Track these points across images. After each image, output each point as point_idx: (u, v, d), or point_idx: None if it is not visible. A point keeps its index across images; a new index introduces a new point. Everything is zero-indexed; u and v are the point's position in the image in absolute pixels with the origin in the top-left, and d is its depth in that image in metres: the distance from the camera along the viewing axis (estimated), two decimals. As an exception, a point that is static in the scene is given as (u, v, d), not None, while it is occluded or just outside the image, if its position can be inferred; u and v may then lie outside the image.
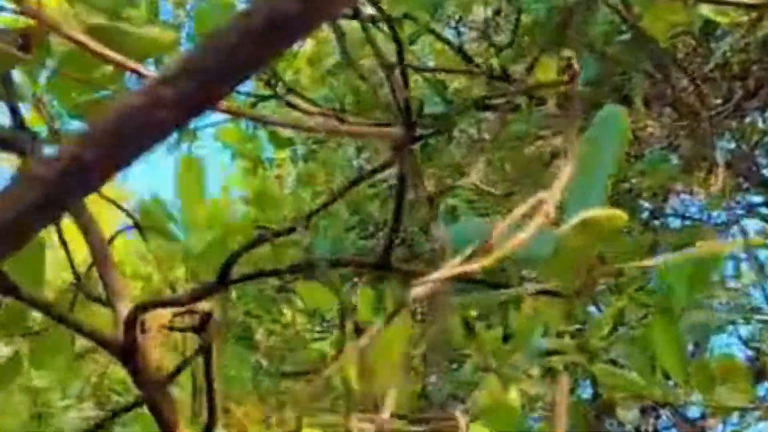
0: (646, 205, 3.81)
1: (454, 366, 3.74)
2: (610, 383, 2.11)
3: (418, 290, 0.73)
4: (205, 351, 1.42)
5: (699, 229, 3.92)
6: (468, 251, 0.77)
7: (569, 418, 2.49)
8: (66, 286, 1.90)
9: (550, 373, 3.03)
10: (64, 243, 1.78)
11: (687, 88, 3.11)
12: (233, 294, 3.89)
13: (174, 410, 1.47)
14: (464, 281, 1.18)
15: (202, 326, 1.39)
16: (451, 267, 0.74)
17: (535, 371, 2.88)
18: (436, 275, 0.74)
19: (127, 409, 1.58)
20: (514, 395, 2.42)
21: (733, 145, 3.60)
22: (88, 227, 1.62)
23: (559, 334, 2.91)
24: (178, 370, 1.44)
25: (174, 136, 3.59)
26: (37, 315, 1.96)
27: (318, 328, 4.05)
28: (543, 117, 2.76)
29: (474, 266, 0.73)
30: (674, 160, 3.20)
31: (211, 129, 3.86)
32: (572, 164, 0.96)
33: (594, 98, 2.61)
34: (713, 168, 3.10)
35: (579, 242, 0.91)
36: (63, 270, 2.05)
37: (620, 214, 0.91)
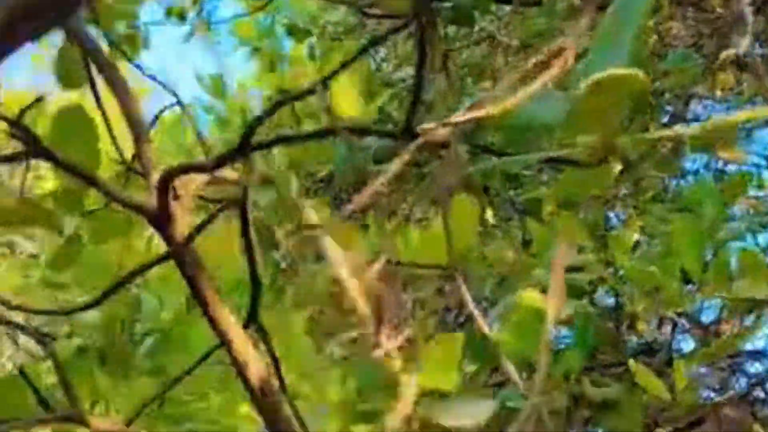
0: (668, 108, 3.77)
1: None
2: (633, 278, 2.10)
3: (428, 138, 0.70)
4: (242, 214, 1.44)
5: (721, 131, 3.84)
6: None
7: (591, 330, 2.48)
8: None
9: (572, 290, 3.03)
10: (106, 120, 1.84)
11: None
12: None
13: (205, 275, 1.50)
14: (475, 147, 1.17)
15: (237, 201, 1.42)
16: (461, 115, 0.72)
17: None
18: (446, 122, 0.71)
19: (153, 264, 1.60)
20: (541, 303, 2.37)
21: (759, 49, 3.53)
22: (127, 105, 1.67)
23: (580, 250, 2.90)
24: (207, 222, 1.47)
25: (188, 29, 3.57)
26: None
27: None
28: (566, 10, 2.72)
29: (483, 111, 0.70)
30: (698, 60, 3.14)
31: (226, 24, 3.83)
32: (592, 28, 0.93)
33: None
34: (737, 71, 3.04)
35: (596, 104, 0.88)
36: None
37: (640, 74, 0.87)
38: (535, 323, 2.01)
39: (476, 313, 1.01)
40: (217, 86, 3.79)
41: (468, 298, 1.04)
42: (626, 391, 2.55)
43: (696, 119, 4.05)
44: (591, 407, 2.51)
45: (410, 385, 1.05)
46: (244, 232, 1.51)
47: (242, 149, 1.38)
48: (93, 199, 1.83)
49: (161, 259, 1.56)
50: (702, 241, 1.88)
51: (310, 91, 1.56)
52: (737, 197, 2.14)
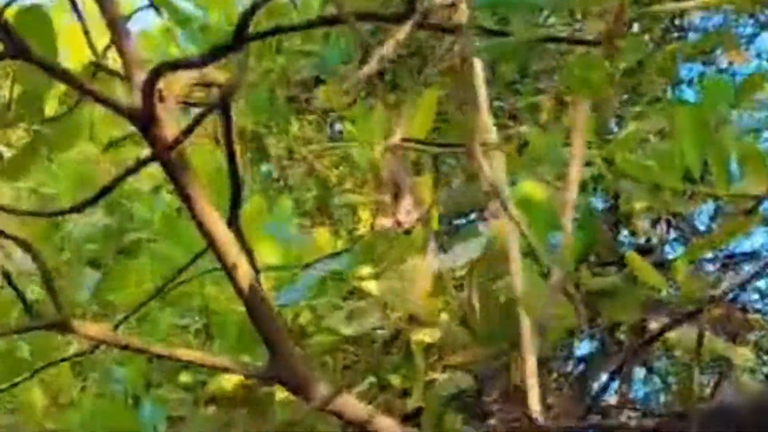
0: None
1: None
2: (629, 172, 2.06)
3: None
4: (224, 114, 1.40)
5: (721, 36, 3.79)
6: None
7: (593, 223, 2.46)
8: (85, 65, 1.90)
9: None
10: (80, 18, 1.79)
11: None
12: (243, 103, 3.85)
13: (192, 177, 1.47)
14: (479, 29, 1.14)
15: (222, 101, 1.38)
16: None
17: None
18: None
19: (138, 166, 1.57)
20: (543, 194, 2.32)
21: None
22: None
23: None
24: (196, 122, 1.43)
25: None
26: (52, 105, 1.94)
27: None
28: None
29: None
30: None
31: None
32: None
33: None
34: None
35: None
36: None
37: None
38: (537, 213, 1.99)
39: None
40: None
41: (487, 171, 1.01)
42: (623, 282, 2.55)
43: (694, 28, 3.99)
44: (589, 296, 2.52)
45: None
46: (227, 133, 1.47)
47: (237, 40, 1.32)
48: (51, 105, 1.79)
49: (146, 161, 1.53)
50: (706, 136, 1.84)
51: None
52: (747, 96, 2.09)
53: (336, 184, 3.77)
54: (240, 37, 1.32)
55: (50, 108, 1.88)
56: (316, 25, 1.42)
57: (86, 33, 1.88)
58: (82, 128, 1.85)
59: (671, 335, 2.24)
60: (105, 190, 1.61)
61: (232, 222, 1.66)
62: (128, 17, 1.71)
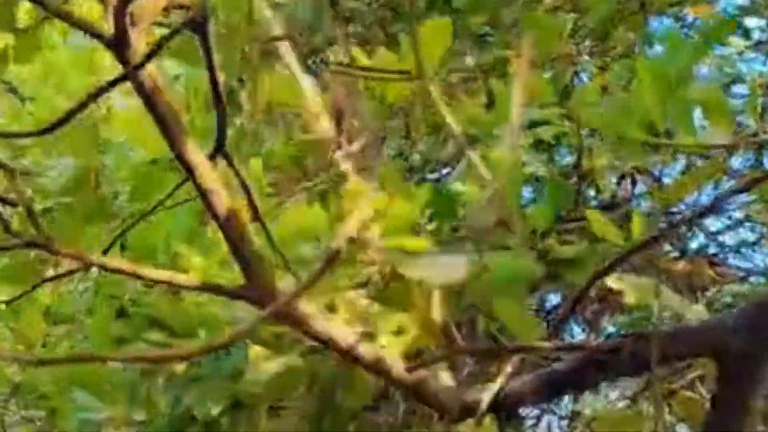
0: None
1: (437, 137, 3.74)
2: (591, 124, 2.08)
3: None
4: (202, 35, 1.40)
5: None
6: None
7: (560, 191, 2.48)
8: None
9: (538, 144, 3.02)
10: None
11: None
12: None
13: (165, 98, 1.48)
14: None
15: (194, 23, 1.38)
16: None
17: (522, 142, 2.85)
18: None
19: (111, 85, 1.57)
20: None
21: None
22: None
23: (544, 106, 2.88)
24: (166, 40, 1.44)
25: None
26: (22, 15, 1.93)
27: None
28: None
29: None
30: None
31: None
32: None
33: None
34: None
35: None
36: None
37: None
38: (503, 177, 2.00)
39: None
40: None
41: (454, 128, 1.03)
42: (587, 247, 2.58)
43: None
44: (556, 263, 2.55)
45: (363, 209, 1.06)
46: (206, 52, 1.48)
47: None
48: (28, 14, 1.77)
49: (118, 80, 1.53)
50: (669, 89, 1.86)
51: None
52: (708, 49, 2.11)
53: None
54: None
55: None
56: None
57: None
58: (49, 39, 1.82)
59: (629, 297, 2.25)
60: (75, 110, 1.60)
61: (220, 146, 1.68)
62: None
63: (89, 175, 2.50)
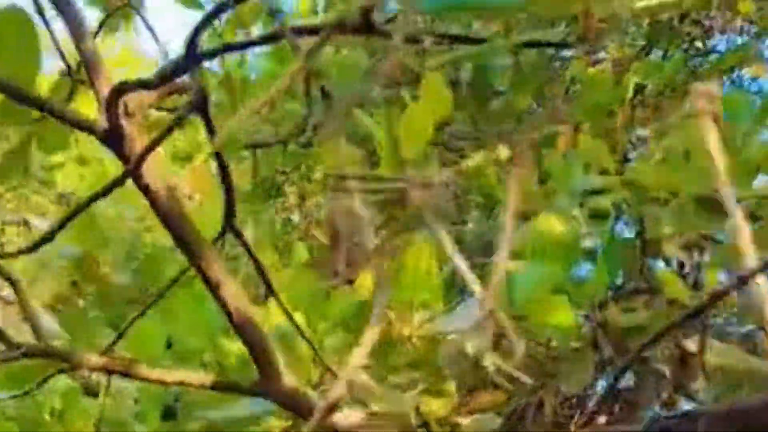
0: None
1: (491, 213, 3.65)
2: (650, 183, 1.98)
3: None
4: (204, 116, 1.34)
5: (746, 49, 3.73)
6: None
7: (616, 258, 2.37)
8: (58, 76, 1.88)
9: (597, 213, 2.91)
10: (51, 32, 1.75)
11: None
12: (259, 152, 3.85)
13: (168, 190, 1.41)
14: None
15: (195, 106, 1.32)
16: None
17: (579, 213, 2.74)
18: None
19: (111, 187, 1.52)
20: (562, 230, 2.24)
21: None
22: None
23: (603, 172, 2.78)
24: (164, 135, 1.38)
25: None
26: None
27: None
28: None
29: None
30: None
31: None
32: None
33: None
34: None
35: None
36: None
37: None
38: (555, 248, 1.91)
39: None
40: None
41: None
42: (655, 312, 2.46)
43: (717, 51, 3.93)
44: (620, 333, 2.42)
45: (381, 303, 1.00)
46: (210, 132, 1.42)
47: (188, 59, 1.27)
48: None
49: (118, 182, 1.47)
50: (734, 153, 1.78)
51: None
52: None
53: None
54: (190, 55, 1.28)
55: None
56: (261, 42, 1.39)
57: (55, 42, 1.86)
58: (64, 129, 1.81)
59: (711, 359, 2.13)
60: (76, 212, 1.56)
61: (228, 228, 1.62)
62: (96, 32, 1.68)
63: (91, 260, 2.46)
